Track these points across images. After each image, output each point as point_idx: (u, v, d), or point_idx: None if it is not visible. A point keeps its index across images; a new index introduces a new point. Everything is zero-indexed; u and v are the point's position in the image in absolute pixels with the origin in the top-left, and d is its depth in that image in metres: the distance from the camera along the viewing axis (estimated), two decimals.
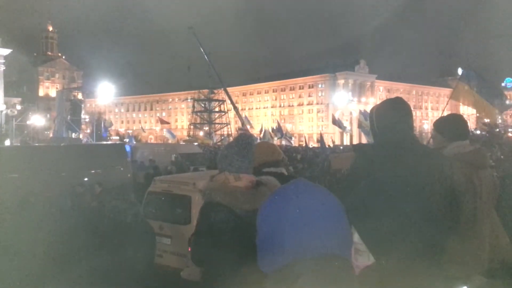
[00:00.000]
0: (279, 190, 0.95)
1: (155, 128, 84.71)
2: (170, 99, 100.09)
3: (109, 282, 3.12)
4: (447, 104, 9.95)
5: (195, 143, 28.51)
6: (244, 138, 2.04)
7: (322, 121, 78.76)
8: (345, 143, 54.31)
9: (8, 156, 10.61)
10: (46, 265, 4.43)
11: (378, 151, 1.74)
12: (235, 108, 48.14)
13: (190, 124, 66.70)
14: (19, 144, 26.42)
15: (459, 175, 1.68)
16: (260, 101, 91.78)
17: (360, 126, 23.55)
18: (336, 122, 32.54)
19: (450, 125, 2.34)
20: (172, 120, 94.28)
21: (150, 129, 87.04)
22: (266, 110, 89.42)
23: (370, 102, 73.60)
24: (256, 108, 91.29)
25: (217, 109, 64.43)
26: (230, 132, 57.15)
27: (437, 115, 62.85)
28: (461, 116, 2.51)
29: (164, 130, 47.04)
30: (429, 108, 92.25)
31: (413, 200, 1.45)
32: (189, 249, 5.20)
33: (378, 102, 2.07)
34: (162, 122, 60.72)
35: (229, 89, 59.18)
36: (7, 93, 59.49)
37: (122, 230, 3.88)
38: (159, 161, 14.39)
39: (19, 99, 58.19)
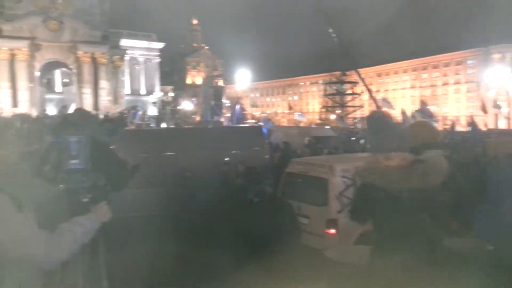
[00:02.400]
0: None
1: (287, 111, 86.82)
2: (302, 83, 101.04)
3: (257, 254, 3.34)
4: None
5: (327, 127, 28.35)
6: (376, 117, 1.96)
7: (472, 102, 69.80)
8: (500, 127, 47.26)
9: (165, 136, 12.17)
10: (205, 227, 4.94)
11: None
12: (368, 89, 46.02)
13: (321, 108, 66.42)
14: (173, 126, 30.10)
15: None
16: (397, 81, 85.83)
17: None
18: (493, 104, 28.46)
19: None
20: (303, 103, 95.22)
21: (283, 113, 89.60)
22: (405, 92, 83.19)
23: None
24: (393, 90, 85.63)
25: (349, 92, 62.54)
26: (363, 115, 55.05)
27: None
28: None
29: (295, 113, 47.93)
30: None
31: None
32: (327, 231, 5.17)
33: None
34: (291, 108, 61.96)
35: (362, 70, 56.77)
36: (162, 82, 68.12)
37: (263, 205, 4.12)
38: (293, 143, 14.72)
39: (171, 87, 65.85)
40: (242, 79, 37.50)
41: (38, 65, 31.51)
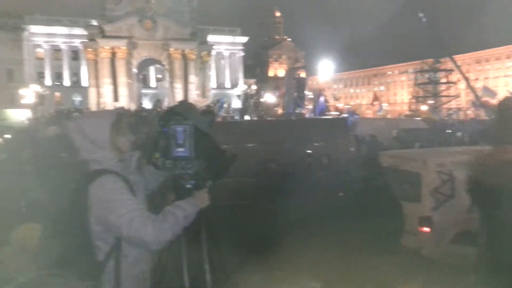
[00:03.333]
0: None
1: (373, 103, 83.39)
2: (389, 72, 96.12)
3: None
4: None
5: (417, 118, 26.64)
6: (505, 107, 1.77)
7: None
8: None
9: (248, 128, 12.46)
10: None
11: None
12: (465, 77, 42.12)
13: (411, 98, 62.54)
14: (256, 119, 30.72)
15: None
16: (499, 68, 77.40)
17: None
18: None
19: None
20: (390, 94, 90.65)
21: (368, 104, 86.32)
22: (508, 79, 74.81)
23: None
24: (494, 78, 77.42)
25: (444, 80, 57.86)
26: (460, 106, 50.77)
27: None
28: None
29: (377, 104, 45.88)
30: None
31: None
32: (420, 229, 4.89)
33: None
34: (376, 99, 59.22)
35: (458, 56, 52.20)
36: (245, 75, 69.83)
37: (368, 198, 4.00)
38: (379, 136, 14.11)
39: (254, 80, 67.14)
40: (325, 70, 36.86)
41: (135, 62, 34.26)
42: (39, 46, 58.67)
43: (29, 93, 35.17)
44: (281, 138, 10.88)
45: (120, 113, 2.19)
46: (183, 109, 2.27)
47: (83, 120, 2.19)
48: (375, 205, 3.73)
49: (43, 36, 57.96)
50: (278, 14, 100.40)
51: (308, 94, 31.87)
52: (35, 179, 6.79)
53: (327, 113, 26.49)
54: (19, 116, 36.67)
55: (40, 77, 55.41)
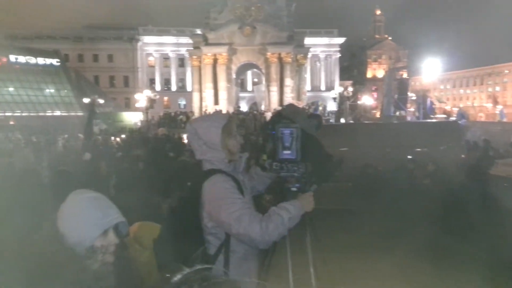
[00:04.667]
0: None
1: (486, 105, 75.36)
2: (506, 71, 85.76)
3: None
4: None
5: None
6: None
7: None
8: None
9: (342, 132, 12.15)
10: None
11: None
12: None
13: None
14: (352, 122, 29.89)
15: None
16: None
17: None
18: None
19: None
20: (507, 94, 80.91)
21: (480, 106, 78.19)
22: None
23: None
24: None
25: None
26: None
27: None
28: None
29: (498, 110, 41.01)
30: None
31: None
32: None
33: None
34: (494, 101, 53.08)
35: None
36: (341, 77, 68.32)
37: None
38: (495, 141, 12.71)
39: (351, 81, 65.35)
40: (430, 69, 34.27)
41: (234, 67, 35.78)
42: (150, 55, 64.80)
43: (142, 98, 38.96)
44: (379, 142, 10.42)
45: (231, 116, 2.30)
46: (291, 112, 2.30)
47: (198, 123, 2.32)
48: (485, 219, 3.37)
49: (154, 45, 63.89)
50: (378, 12, 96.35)
51: (411, 95, 29.93)
52: (147, 177, 7.48)
53: (432, 116, 24.67)
54: (133, 118, 40.84)
55: (151, 83, 61.04)
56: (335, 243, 3.35)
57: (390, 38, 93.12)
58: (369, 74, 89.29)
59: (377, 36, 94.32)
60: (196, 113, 35.27)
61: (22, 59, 45.29)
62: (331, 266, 2.41)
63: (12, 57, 44.62)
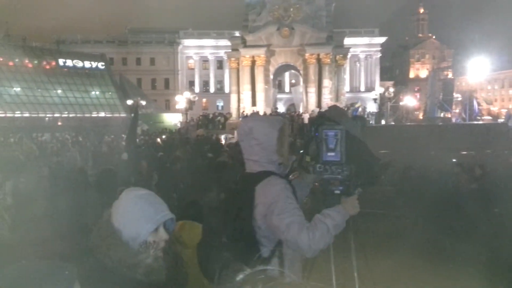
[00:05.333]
0: None
1: None
2: None
3: None
4: None
5: None
6: None
7: None
8: None
9: (382, 133, 11.83)
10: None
11: None
12: None
13: None
14: (393, 123, 29.07)
15: None
16: None
17: None
18: None
19: None
20: None
21: None
22: None
23: None
24: None
25: None
26: None
27: None
28: None
29: None
30: None
31: None
32: None
33: None
34: None
35: None
36: (382, 77, 66.67)
37: None
38: None
39: (392, 82, 63.62)
40: (477, 69, 32.65)
41: (272, 69, 35.79)
42: (190, 57, 66.25)
43: (181, 99, 39.85)
44: (422, 145, 10.06)
45: (285, 119, 2.28)
46: (335, 114, 2.26)
47: (254, 123, 2.26)
48: None
49: (194, 48, 65.29)
50: (422, 10, 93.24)
51: (456, 96, 28.67)
52: (186, 177, 7.61)
53: (478, 117, 23.55)
54: (172, 119, 41.86)
55: (190, 85, 62.35)
56: (378, 248, 3.24)
57: (434, 36, 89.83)
58: (411, 74, 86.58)
59: (420, 35, 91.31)
60: (234, 115, 35.59)
61: (69, 62, 47.68)
62: (375, 271, 2.33)
63: (61, 61, 47.05)
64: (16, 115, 40.42)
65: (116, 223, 1.54)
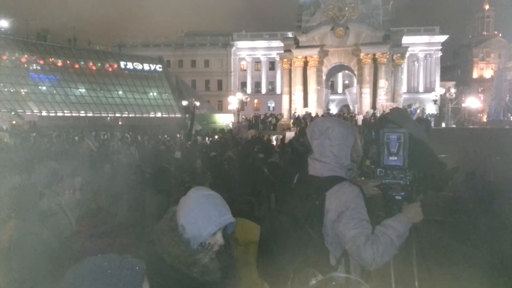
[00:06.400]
0: None
1: None
2: None
3: None
4: None
5: None
6: None
7: None
8: None
9: (442, 136, 11.19)
10: None
11: None
12: None
13: None
14: (454, 126, 27.53)
15: None
16: None
17: None
18: None
19: None
20: None
21: None
22: None
23: None
24: None
25: None
26: None
27: None
28: None
29: None
30: None
31: None
32: None
33: None
34: None
35: None
36: (442, 78, 63.32)
37: None
38: None
39: (453, 82, 60.26)
40: None
41: (325, 69, 35.24)
42: (243, 59, 67.18)
43: (233, 100, 40.44)
44: (485, 149, 9.43)
45: (355, 126, 2.22)
46: (397, 117, 2.15)
47: (332, 124, 2.14)
48: None
49: (246, 50, 66.13)
50: (487, 7, 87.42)
51: None
52: (239, 177, 7.68)
53: None
54: (225, 120, 42.67)
55: (242, 86, 63.17)
56: (440, 256, 3.06)
57: (500, 34, 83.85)
58: (475, 75, 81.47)
59: (484, 33, 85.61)
60: (285, 116, 35.50)
61: (130, 65, 50.22)
62: (437, 280, 2.20)
63: (122, 64, 49.69)
64: (81, 115, 43.30)
65: (180, 220, 1.58)
